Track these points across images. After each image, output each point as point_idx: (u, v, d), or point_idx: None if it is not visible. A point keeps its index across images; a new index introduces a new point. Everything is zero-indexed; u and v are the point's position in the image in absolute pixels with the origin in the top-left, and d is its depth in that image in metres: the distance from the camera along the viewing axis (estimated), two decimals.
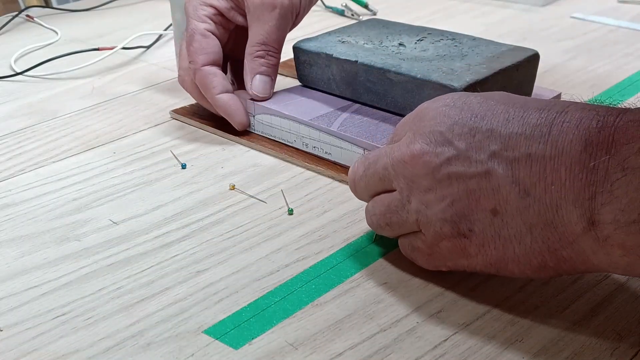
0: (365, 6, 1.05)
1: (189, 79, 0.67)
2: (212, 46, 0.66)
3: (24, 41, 0.95)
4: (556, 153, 0.39)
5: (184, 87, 0.68)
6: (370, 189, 0.47)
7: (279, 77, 0.70)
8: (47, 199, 0.58)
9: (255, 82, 0.66)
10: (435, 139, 0.43)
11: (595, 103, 0.41)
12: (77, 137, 0.69)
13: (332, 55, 0.66)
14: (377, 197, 0.47)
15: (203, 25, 0.65)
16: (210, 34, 0.66)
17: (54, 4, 1.36)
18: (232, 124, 0.67)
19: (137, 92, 0.80)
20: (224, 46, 0.68)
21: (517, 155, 0.40)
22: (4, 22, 1.02)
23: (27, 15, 1.05)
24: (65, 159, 0.65)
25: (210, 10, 0.66)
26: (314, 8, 1.07)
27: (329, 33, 0.72)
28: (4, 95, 0.80)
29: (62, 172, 0.63)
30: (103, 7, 1.10)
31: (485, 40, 0.68)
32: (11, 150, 0.67)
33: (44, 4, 1.40)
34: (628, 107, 0.39)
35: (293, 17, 0.66)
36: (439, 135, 0.42)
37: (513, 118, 0.41)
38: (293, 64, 0.74)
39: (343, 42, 0.69)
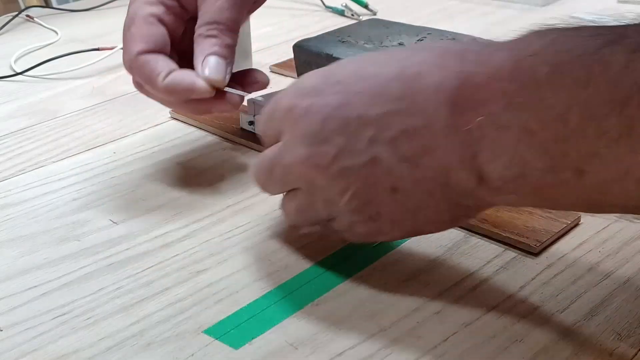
0: (365, 6, 1.05)
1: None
2: (154, 34, 0.53)
3: (24, 41, 0.95)
4: (427, 122, 0.39)
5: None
6: (280, 190, 0.48)
7: (279, 77, 0.69)
8: (47, 199, 0.58)
9: (209, 64, 0.53)
10: (313, 140, 0.42)
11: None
12: (77, 137, 0.69)
13: (332, 55, 0.66)
14: (287, 197, 0.47)
15: (149, 8, 0.53)
16: (155, 20, 0.53)
17: (54, 4, 1.36)
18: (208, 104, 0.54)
19: (137, 92, 0.79)
20: (176, 39, 0.56)
21: (394, 134, 0.40)
22: (4, 22, 1.02)
23: (27, 15, 1.05)
24: (65, 159, 0.65)
25: None
26: (314, 8, 1.07)
27: (329, 33, 0.72)
28: (4, 95, 0.80)
29: (62, 172, 0.63)
30: (103, 7, 1.10)
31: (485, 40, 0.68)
32: (11, 150, 0.67)
33: (44, 4, 1.40)
34: (478, 53, 0.39)
35: None
36: (314, 137, 0.42)
37: (374, 96, 0.41)
38: (293, 64, 0.74)
39: (343, 42, 0.69)
